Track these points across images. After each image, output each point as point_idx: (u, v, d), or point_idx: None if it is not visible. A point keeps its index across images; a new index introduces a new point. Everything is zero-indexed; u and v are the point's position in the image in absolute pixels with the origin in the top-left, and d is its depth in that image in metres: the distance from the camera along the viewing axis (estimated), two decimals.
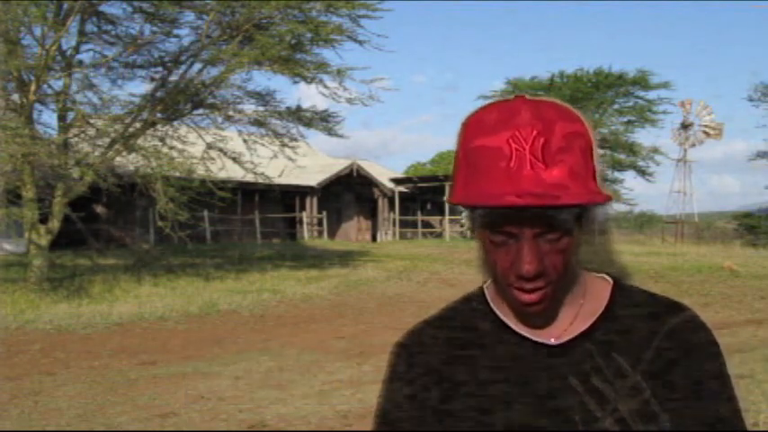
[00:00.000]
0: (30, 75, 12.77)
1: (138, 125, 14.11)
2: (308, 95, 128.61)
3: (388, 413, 1.01)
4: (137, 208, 21.42)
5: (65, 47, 13.56)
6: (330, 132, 16.32)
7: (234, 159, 15.19)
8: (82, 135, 14.08)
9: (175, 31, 14.51)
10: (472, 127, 0.91)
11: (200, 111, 15.27)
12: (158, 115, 14.33)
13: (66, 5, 12.78)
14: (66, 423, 5.39)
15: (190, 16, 14.40)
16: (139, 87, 72.73)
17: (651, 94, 36.56)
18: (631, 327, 0.97)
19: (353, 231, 32.58)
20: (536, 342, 0.96)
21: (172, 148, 14.25)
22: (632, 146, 37.08)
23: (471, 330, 1.01)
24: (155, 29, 14.27)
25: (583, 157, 0.88)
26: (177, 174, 13.70)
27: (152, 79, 14.84)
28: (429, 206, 34.98)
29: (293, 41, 14.21)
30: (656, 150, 37.58)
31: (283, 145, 15.92)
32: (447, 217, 31.37)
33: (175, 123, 15.05)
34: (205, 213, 21.87)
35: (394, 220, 32.41)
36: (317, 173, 29.49)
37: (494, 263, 0.92)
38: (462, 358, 0.99)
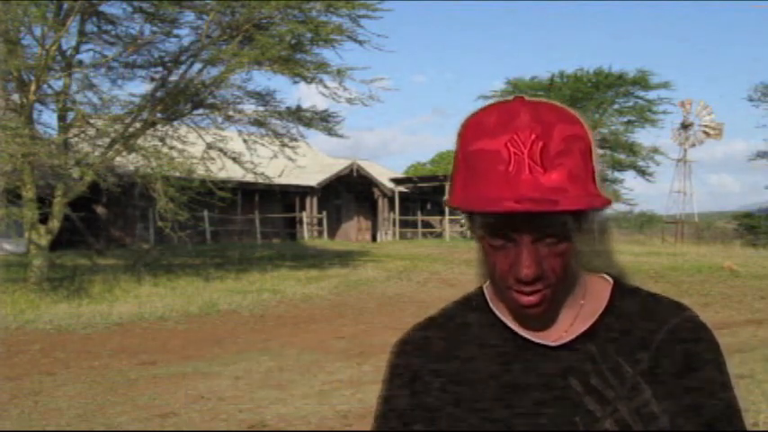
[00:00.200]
0: (30, 75, 12.77)
1: (138, 125, 14.12)
2: (308, 95, 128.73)
3: (388, 414, 1.01)
4: (137, 208, 21.41)
5: (65, 47, 13.58)
6: (330, 132, 16.33)
7: (234, 159, 15.19)
8: (82, 135, 14.08)
9: (175, 31, 14.54)
10: (471, 129, 0.91)
11: (200, 111, 15.27)
12: (158, 115, 14.33)
13: (66, 5, 12.79)
14: (66, 423, 5.39)
15: (190, 16, 14.43)
16: (139, 87, 72.79)
17: (651, 94, 36.60)
18: (632, 327, 0.97)
19: (353, 231, 32.58)
20: (536, 343, 0.96)
21: (172, 148, 14.25)
22: (632, 146, 37.08)
23: (471, 331, 1.01)
24: (155, 29, 14.28)
25: (582, 160, 0.88)
26: (177, 174, 13.70)
27: (152, 79, 14.85)
28: (429, 206, 34.97)
29: (293, 41, 14.21)
30: (656, 150, 37.61)
31: (283, 145, 15.92)
32: (447, 217, 31.37)
33: (175, 123, 15.06)
34: (205, 213, 21.88)
35: (394, 220, 32.42)
36: (317, 173, 29.50)
37: (493, 266, 0.92)
38: (462, 358, 0.99)
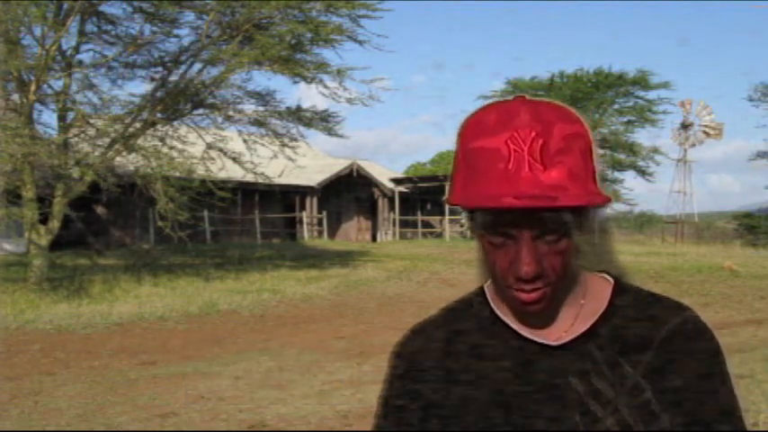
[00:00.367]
0: (30, 75, 12.77)
1: (138, 125, 14.12)
2: (308, 95, 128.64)
3: (389, 413, 1.01)
4: (137, 208, 21.39)
5: (65, 47, 13.59)
6: (330, 132, 16.34)
7: (234, 159, 15.20)
8: (82, 135, 14.09)
9: (175, 31, 14.54)
10: (471, 128, 0.91)
11: (200, 111, 15.28)
12: (158, 115, 14.33)
13: (66, 5, 12.79)
14: (66, 423, 5.39)
15: (190, 16, 14.43)
16: (139, 87, 72.76)
17: (651, 94, 36.62)
18: (632, 327, 0.97)
19: (353, 231, 32.58)
20: (537, 342, 0.96)
21: (172, 148, 14.25)
22: (632, 146, 37.09)
23: (471, 330, 1.01)
24: (155, 29, 14.28)
25: (582, 159, 0.88)
26: (177, 174, 13.71)
27: (152, 79, 14.86)
28: (429, 206, 34.97)
29: (293, 41, 14.21)
30: (656, 150, 37.63)
31: (283, 145, 15.92)
32: (447, 217, 31.36)
33: (175, 123, 15.06)
34: (205, 213, 21.88)
35: (394, 220, 32.41)
36: (317, 173, 29.49)
37: (493, 264, 0.92)
38: (462, 358, 0.99)
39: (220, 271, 15.48)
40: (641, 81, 35.78)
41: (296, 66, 14.32)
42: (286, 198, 28.55)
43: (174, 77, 14.71)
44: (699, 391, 0.93)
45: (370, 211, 33.40)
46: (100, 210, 22.45)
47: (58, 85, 13.60)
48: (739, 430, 0.94)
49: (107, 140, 13.81)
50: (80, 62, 14.12)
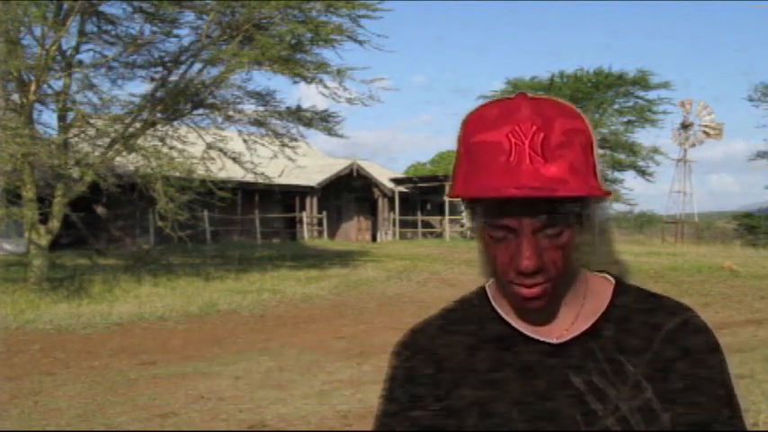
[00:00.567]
0: (30, 75, 12.77)
1: (138, 125, 14.12)
2: (308, 95, 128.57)
3: (390, 413, 1.01)
4: (137, 208, 21.40)
5: (65, 47, 13.59)
6: (330, 132, 16.34)
7: (234, 159, 15.20)
8: (82, 135, 14.09)
9: (175, 31, 14.54)
10: (473, 123, 0.92)
11: (200, 111, 15.28)
12: (158, 115, 14.33)
13: (66, 5, 12.79)
14: (66, 423, 5.39)
15: (190, 16, 14.43)
16: (139, 87, 72.83)
17: (651, 94, 36.61)
18: (633, 326, 0.97)
19: (353, 231, 32.57)
20: (538, 340, 0.96)
21: (172, 148, 14.25)
22: (632, 146, 37.09)
23: (473, 329, 1.01)
24: (155, 29, 14.28)
25: (583, 154, 0.89)
26: (177, 174, 13.71)
27: (152, 79, 14.86)
28: (429, 206, 34.97)
29: (293, 41, 14.21)
30: (656, 150, 37.62)
31: (283, 145, 15.92)
32: (447, 217, 31.37)
33: (175, 123, 15.06)
34: (205, 213, 21.88)
35: (394, 220, 32.41)
36: (317, 173, 29.50)
37: (494, 258, 0.92)
38: (463, 357, 0.99)
39: (220, 271, 15.48)
40: (641, 81, 35.78)
41: (296, 66, 14.31)
42: (286, 198, 28.55)
43: (174, 77, 14.72)
44: (699, 391, 0.93)
45: (370, 211, 33.40)
46: (100, 210, 22.45)
47: (58, 85, 13.62)
48: (739, 430, 0.95)
49: (107, 140, 13.81)
50: (80, 62, 14.13)
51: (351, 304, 12.23)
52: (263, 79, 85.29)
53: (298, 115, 15.79)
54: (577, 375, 0.93)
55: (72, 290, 12.22)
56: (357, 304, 12.24)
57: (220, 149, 15.05)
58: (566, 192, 0.85)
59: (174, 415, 5.56)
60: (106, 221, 23.21)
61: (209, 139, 15.22)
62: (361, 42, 14.61)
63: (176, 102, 14.47)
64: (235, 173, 15.71)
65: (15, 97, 12.91)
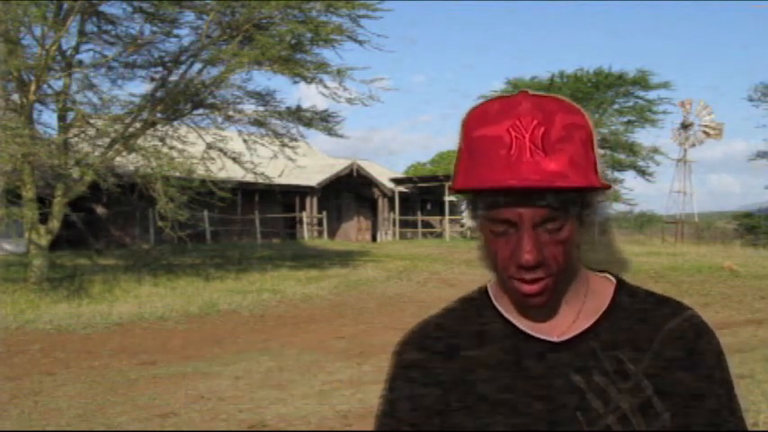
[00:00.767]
0: (30, 75, 12.77)
1: (138, 125, 14.12)
2: (308, 95, 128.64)
3: (391, 413, 1.01)
4: (137, 208, 21.40)
5: (65, 47, 13.58)
6: (330, 132, 16.33)
7: (234, 159, 15.20)
8: (82, 135, 14.08)
9: (175, 31, 14.54)
10: (474, 118, 0.93)
11: (200, 111, 15.27)
12: (158, 115, 14.33)
13: (66, 5, 12.78)
14: (66, 423, 5.39)
15: (190, 16, 14.43)
16: (139, 87, 72.80)
17: (651, 94, 36.55)
18: (634, 326, 0.97)
19: (353, 231, 32.57)
20: (539, 339, 0.97)
21: (172, 148, 14.25)
22: (632, 146, 37.05)
23: (474, 328, 1.01)
24: (155, 29, 14.28)
25: (583, 148, 0.89)
26: (177, 174, 13.70)
27: (152, 79, 14.86)
28: (429, 206, 34.97)
29: (293, 41, 14.21)
30: (656, 150, 37.57)
31: (283, 145, 15.92)
32: (447, 217, 31.37)
33: (175, 123, 15.06)
34: (205, 213, 21.87)
35: (394, 220, 32.41)
36: (317, 173, 29.49)
37: (494, 254, 0.92)
38: (464, 356, 0.99)
39: (220, 271, 15.48)
40: (641, 81, 35.75)
41: (296, 66, 14.31)
42: (286, 198, 28.55)
43: (174, 77, 14.72)
44: (700, 391, 0.93)
45: (370, 211, 33.40)
46: (100, 210, 22.44)
47: (58, 85, 13.62)
48: (740, 430, 0.95)
49: (107, 140, 13.81)
50: (80, 62, 14.13)
51: (351, 304, 12.23)
52: (263, 79, 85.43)
53: (298, 115, 15.79)
54: (578, 374, 0.94)
55: (72, 290, 12.22)
56: (357, 304, 12.24)
57: (220, 149, 15.05)
58: (565, 184, 0.85)
59: (174, 415, 5.56)
60: (106, 221, 23.20)
61: (209, 139, 15.22)
62: (361, 42, 14.62)
63: (176, 102, 14.46)
64: (235, 173, 15.71)
65: (15, 97, 12.91)
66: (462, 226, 33.02)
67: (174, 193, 13.25)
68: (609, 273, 1.03)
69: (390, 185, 32.56)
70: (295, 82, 16.57)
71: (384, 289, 14.05)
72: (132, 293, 12.33)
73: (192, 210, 13.86)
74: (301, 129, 16.13)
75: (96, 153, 13.82)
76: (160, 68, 14.81)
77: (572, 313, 0.97)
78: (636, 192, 78.64)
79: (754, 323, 10.03)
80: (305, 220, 29.58)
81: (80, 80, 13.55)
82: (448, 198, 31.17)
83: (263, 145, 15.83)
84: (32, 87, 12.64)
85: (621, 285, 1.02)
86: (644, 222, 47.31)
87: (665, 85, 36.22)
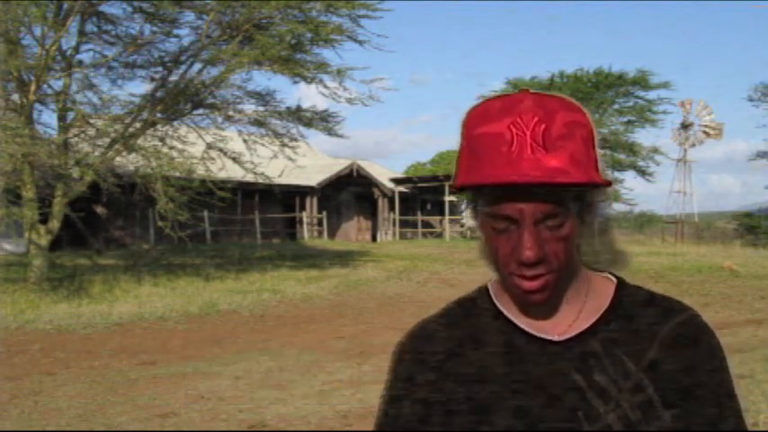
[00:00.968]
0: (30, 75, 12.76)
1: (138, 125, 14.11)
2: (308, 95, 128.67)
3: (391, 413, 1.01)
4: (137, 208, 21.41)
5: (65, 47, 13.58)
6: (330, 132, 16.33)
7: (234, 159, 15.20)
8: (82, 135, 14.09)
9: (175, 31, 14.54)
10: (475, 116, 0.93)
11: (200, 111, 15.27)
12: (158, 115, 14.33)
13: (66, 5, 12.78)
14: (66, 423, 5.39)
15: (190, 16, 14.43)
16: (139, 87, 72.88)
17: (651, 94, 36.51)
18: (635, 325, 0.97)
19: (353, 231, 32.57)
20: (539, 338, 0.97)
21: (172, 148, 14.25)
22: (632, 146, 37.02)
23: (474, 327, 1.01)
24: (155, 29, 14.28)
25: (584, 146, 0.90)
26: (177, 174, 13.70)
27: (152, 79, 14.85)
28: (429, 206, 34.98)
29: (293, 41, 14.21)
30: (656, 150, 37.52)
31: (283, 145, 15.92)
32: (447, 217, 31.38)
33: (175, 123, 15.06)
34: (205, 213, 21.87)
35: (394, 220, 32.41)
36: (317, 173, 29.49)
37: (496, 251, 0.92)
38: (465, 355, 0.99)
39: (220, 271, 15.48)
40: (641, 81, 35.73)
41: (296, 66, 14.31)
42: (286, 198, 28.55)
43: (174, 77, 14.72)
44: (700, 391, 0.93)
45: (370, 211, 33.40)
46: (100, 210, 22.44)
47: (58, 85, 13.61)
48: (740, 430, 0.95)
49: (107, 140, 13.81)
50: (80, 62, 14.12)
51: (351, 304, 12.23)
52: (263, 79, 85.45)
53: (298, 115, 15.79)
54: (579, 373, 0.94)
55: (72, 290, 12.22)
56: (357, 304, 12.24)
57: (220, 149, 15.05)
58: (566, 179, 0.86)
59: (174, 415, 5.56)
60: (106, 221, 23.20)
61: (209, 139, 15.22)
62: (361, 42, 14.62)
63: (176, 102, 14.46)
64: (235, 173, 15.71)
65: (15, 97, 12.91)
66: (462, 226, 33.05)
67: (173, 193, 13.25)
68: (609, 273, 1.04)
69: (390, 185, 32.56)
70: (295, 82, 16.59)
71: (384, 289, 14.05)
72: (132, 293, 12.33)
73: (192, 210, 13.86)
74: (301, 129, 16.15)
75: (96, 153, 13.82)
76: (160, 68, 14.81)
77: (573, 312, 0.97)
78: (636, 192, 78.72)
79: (754, 323, 10.02)
80: (305, 220, 29.58)
81: (80, 80, 13.56)
82: (448, 198, 31.18)
83: (263, 145, 15.83)
84: (32, 87, 12.64)
85: (622, 285, 1.02)
86: (644, 222, 47.33)
87: (665, 85, 36.20)
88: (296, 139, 16.23)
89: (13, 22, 11.63)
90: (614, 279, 1.03)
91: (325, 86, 14.83)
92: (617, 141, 36.26)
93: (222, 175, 14.66)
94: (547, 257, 0.90)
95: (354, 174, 30.58)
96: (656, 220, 44.57)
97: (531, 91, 0.91)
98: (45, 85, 13.30)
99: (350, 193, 31.97)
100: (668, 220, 37.43)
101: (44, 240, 12.79)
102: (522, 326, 0.98)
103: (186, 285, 13.41)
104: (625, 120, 37.30)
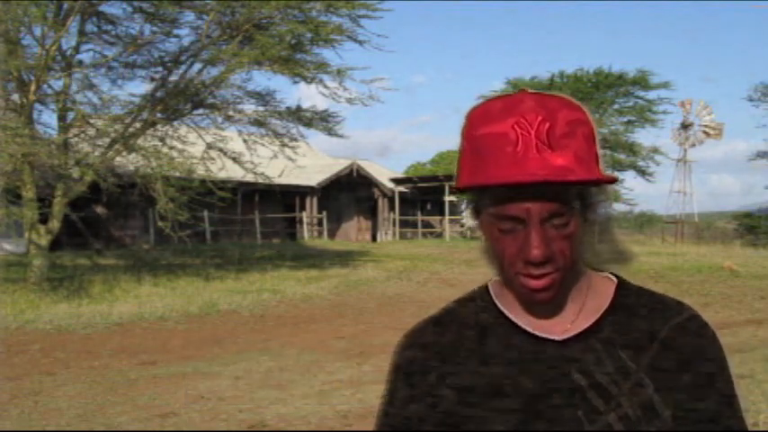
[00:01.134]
0: (30, 75, 12.76)
1: (138, 125, 14.11)
2: (308, 95, 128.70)
3: (391, 412, 1.01)
4: (137, 208, 21.42)
5: (65, 47, 13.58)
6: (330, 132, 16.33)
7: (234, 159, 15.19)
8: (82, 135, 14.09)
9: (175, 31, 14.53)
10: (477, 117, 0.93)
11: (201, 111, 15.27)
12: (158, 115, 14.33)
13: (66, 5, 12.78)
14: (66, 423, 5.39)
15: (190, 16, 14.42)
16: (139, 87, 72.85)
17: (651, 94, 36.52)
18: (635, 324, 0.97)
19: (353, 231, 32.57)
20: (540, 337, 0.97)
21: (172, 148, 14.25)
22: (632, 146, 37.03)
23: (475, 327, 1.01)
24: (155, 29, 14.27)
25: (586, 143, 0.90)
26: (177, 174, 13.70)
27: (152, 79, 14.85)
28: (429, 206, 34.98)
29: (293, 41, 14.20)
30: (656, 150, 37.54)
31: (283, 145, 15.92)
32: (447, 217, 31.38)
33: (175, 123, 15.06)
34: (205, 213, 21.87)
35: (394, 220, 32.41)
36: (317, 173, 29.49)
37: (501, 251, 0.92)
38: (465, 355, 0.99)
39: (220, 271, 15.48)
40: (641, 81, 35.73)
41: (296, 66, 14.31)
42: (286, 198, 28.55)
43: (174, 77, 14.72)
44: (700, 390, 0.94)
45: (370, 211, 33.40)
46: (100, 210, 22.44)
47: (58, 85, 13.61)
48: (740, 430, 0.95)
49: (107, 140, 13.80)
50: (80, 62, 14.12)
51: (351, 304, 12.23)
52: (263, 79, 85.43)
53: (298, 115, 15.79)
54: (579, 372, 0.94)
55: (72, 290, 12.22)
56: (357, 304, 12.24)
57: (220, 149, 15.05)
58: (573, 177, 0.86)
59: (174, 415, 5.56)
60: (106, 221, 23.20)
61: (209, 139, 15.22)
62: (361, 42, 14.62)
63: (176, 102, 14.47)
64: (235, 173, 15.70)
65: (15, 97, 12.91)
66: (462, 226, 33.04)
67: (173, 193, 13.25)
68: (610, 272, 1.04)
69: (390, 185, 32.56)
70: (295, 82, 16.58)
71: (384, 289, 14.05)
72: (132, 293, 12.33)
73: (191, 210, 13.85)
74: (301, 129, 16.15)
75: (96, 153, 13.82)
76: (160, 68, 14.81)
77: (573, 311, 0.98)
78: (636, 192, 78.70)
79: (754, 323, 10.02)
80: (305, 220, 29.58)
81: (80, 80, 13.56)
82: (448, 198, 31.18)
83: (263, 145, 15.83)
84: (32, 87, 12.64)
85: (622, 285, 1.02)
86: (644, 222, 47.35)
87: (665, 85, 36.21)
88: (296, 139, 16.23)
89: (13, 22, 11.63)
90: (614, 279, 1.03)
91: (326, 86, 14.84)
92: (617, 141, 36.26)
93: (222, 175, 14.65)
94: (554, 256, 0.90)
95: (354, 174, 30.58)
96: (656, 220, 44.59)
97: (530, 91, 0.91)
98: (45, 85, 13.31)
99: (350, 193, 31.97)
100: (668, 220, 37.43)
101: (44, 240, 12.79)
102: (523, 325, 0.98)
103: (186, 285, 13.41)
104: (625, 120, 37.31)
